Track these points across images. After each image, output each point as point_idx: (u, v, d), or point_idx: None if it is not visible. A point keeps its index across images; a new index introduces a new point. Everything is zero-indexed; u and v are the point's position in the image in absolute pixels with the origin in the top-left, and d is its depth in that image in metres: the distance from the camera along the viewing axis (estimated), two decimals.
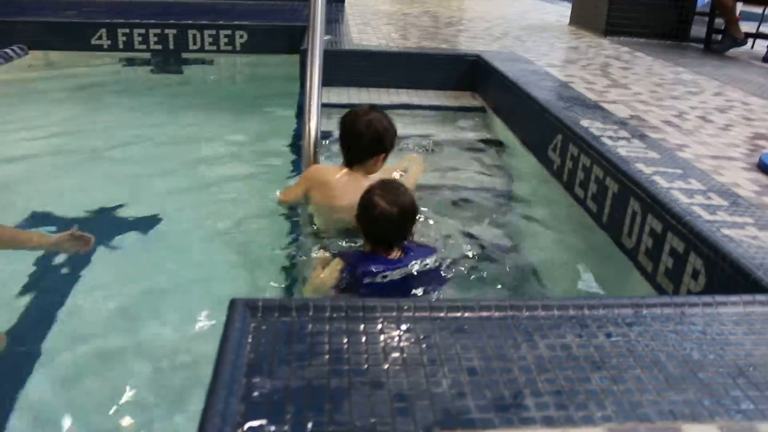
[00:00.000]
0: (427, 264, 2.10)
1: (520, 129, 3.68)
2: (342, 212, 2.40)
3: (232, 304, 1.28)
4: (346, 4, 7.66)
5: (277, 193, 2.66)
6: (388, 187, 2.07)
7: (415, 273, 2.06)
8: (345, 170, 2.49)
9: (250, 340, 1.20)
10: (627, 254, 2.24)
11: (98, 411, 1.73)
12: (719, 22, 5.79)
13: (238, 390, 1.06)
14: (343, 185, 2.44)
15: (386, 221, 2.00)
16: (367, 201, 2.03)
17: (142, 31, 5.61)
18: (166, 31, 5.64)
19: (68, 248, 2.15)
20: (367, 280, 2.00)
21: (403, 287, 2.03)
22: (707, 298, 1.46)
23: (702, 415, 1.10)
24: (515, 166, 3.49)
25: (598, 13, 6.36)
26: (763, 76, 4.76)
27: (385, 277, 2.01)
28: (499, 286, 2.27)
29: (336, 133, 2.65)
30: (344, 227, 2.38)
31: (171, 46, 5.69)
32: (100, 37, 5.58)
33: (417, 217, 2.14)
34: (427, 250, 2.16)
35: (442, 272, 2.14)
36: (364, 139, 2.43)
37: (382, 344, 1.20)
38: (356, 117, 2.46)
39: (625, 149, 2.56)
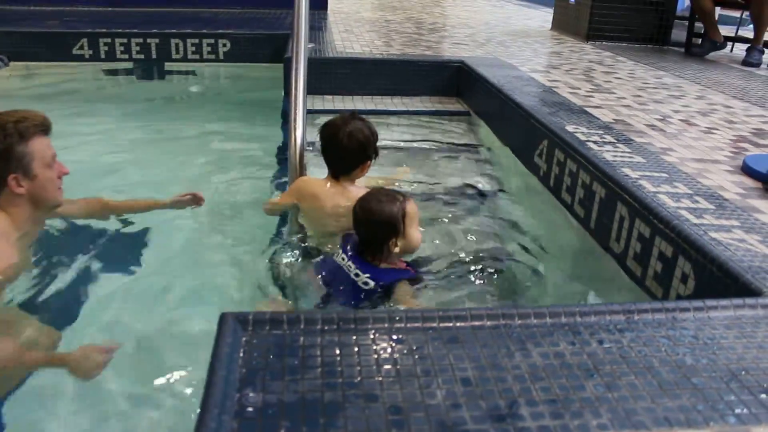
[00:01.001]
0: (361, 281, 2.09)
1: (505, 134, 3.69)
2: (331, 220, 2.42)
3: (222, 318, 1.26)
4: (329, 11, 7.66)
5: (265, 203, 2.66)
6: (374, 194, 2.16)
7: (352, 277, 2.10)
8: (332, 181, 2.49)
9: (241, 354, 1.19)
10: (615, 259, 2.25)
11: (85, 425, 1.70)
12: (699, 26, 5.86)
13: (230, 406, 1.05)
14: (332, 195, 2.45)
15: (355, 221, 2.14)
16: (359, 199, 2.18)
17: (124, 40, 5.58)
18: (149, 40, 5.61)
19: (183, 206, 2.61)
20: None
21: (333, 279, 2.14)
22: (698, 303, 1.46)
23: (697, 421, 1.10)
24: (502, 172, 3.50)
25: (580, 18, 6.42)
26: (743, 79, 4.81)
27: (334, 255, 2.20)
28: (489, 293, 2.27)
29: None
30: (333, 233, 2.40)
31: (153, 56, 5.65)
32: (81, 47, 5.54)
33: (390, 231, 2.09)
34: (379, 274, 2.11)
35: (361, 295, 2.09)
36: (348, 151, 2.43)
37: (374, 356, 1.19)
38: (336, 129, 2.43)
39: (610, 154, 2.57)
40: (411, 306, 2.04)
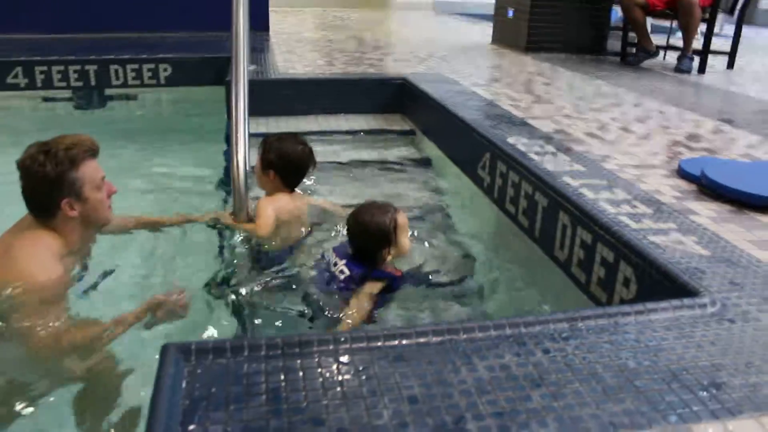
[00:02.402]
0: (338, 269, 2.28)
1: (449, 148, 3.72)
2: (293, 230, 2.68)
3: (164, 349, 1.24)
4: (270, 32, 7.64)
5: (257, 228, 2.61)
6: (367, 207, 2.35)
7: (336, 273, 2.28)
8: (288, 193, 2.73)
9: (184, 385, 1.16)
10: (560, 267, 2.28)
11: None
12: (633, 36, 6.05)
13: None
14: (294, 206, 2.71)
15: (350, 233, 2.32)
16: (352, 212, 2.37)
17: (61, 68, 5.44)
18: (87, 67, 5.49)
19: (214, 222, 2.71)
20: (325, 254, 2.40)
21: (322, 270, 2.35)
22: (639, 307, 1.49)
23: (641, 424, 1.12)
24: (447, 186, 3.53)
25: (518, 31, 6.55)
26: (676, 85, 4.98)
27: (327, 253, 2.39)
28: (437, 309, 2.27)
29: None
30: (290, 242, 2.65)
31: (92, 83, 5.53)
32: (16, 76, 5.38)
33: (383, 241, 2.26)
34: (357, 267, 2.28)
35: (335, 283, 2.28)
36: (306, 166, 2.73)
37: (320, 379, 1.18)
38: (304, 150, 2.71)
39: (551, 164, 2.62)
40: (357, 302, 2.18)
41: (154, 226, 2.72)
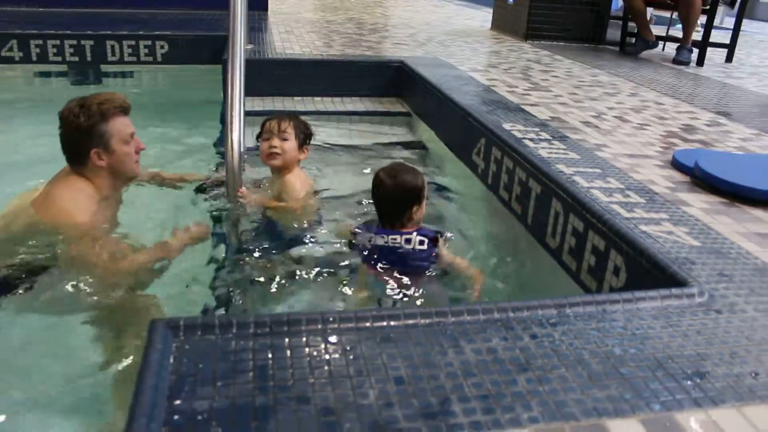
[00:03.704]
0: (410, 242, 2.29)
1: (444, 133, 3.72)
2: (310, 204, 2.76)
3: (152, 325, 1.24)
4: (269, 12, 7.59)
5: (295, 205, 2.69)
6: (396, 167, 2.37)
7: (397, 245, 2.30)
8: (302, 172, 2.81)
9: (171, 361, 1.16)
10: (551, 254, 2.29)
11: None
12: (632, 26, 6.04)
13: (159, 414, 1.02)
14: (308, 185, 2.81)
15: (384, 193, 2.30)
16: (374, 177, 2.36)
17: (57, 42, 5.39)
18: (83, 42, 5.44)
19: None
20: (357, 236, 2.36)
21: (383, 254, 2.31)
22: (627, 295, 1.50)
23: (624, 410, 1.13)
24: (441, 171, 3.53)
25: (518, 18, 6.53)
26: (674, 76, 4.97)
27: (370, 240, 2.32)
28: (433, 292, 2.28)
29: None
30: (309, 217, 2.70)
31: (88, 58, 5.48)
32: (10, 49, 5.33)
33: (415, 198, 2.29)
34: (427, 232, 2.33)
35: (422, 255, 2.29)
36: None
37: (307, 358, 1.18)
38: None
39: (546, 151, 2.62)
40: (461, 260, 2.32)
41: (175, 184, 2.88)
